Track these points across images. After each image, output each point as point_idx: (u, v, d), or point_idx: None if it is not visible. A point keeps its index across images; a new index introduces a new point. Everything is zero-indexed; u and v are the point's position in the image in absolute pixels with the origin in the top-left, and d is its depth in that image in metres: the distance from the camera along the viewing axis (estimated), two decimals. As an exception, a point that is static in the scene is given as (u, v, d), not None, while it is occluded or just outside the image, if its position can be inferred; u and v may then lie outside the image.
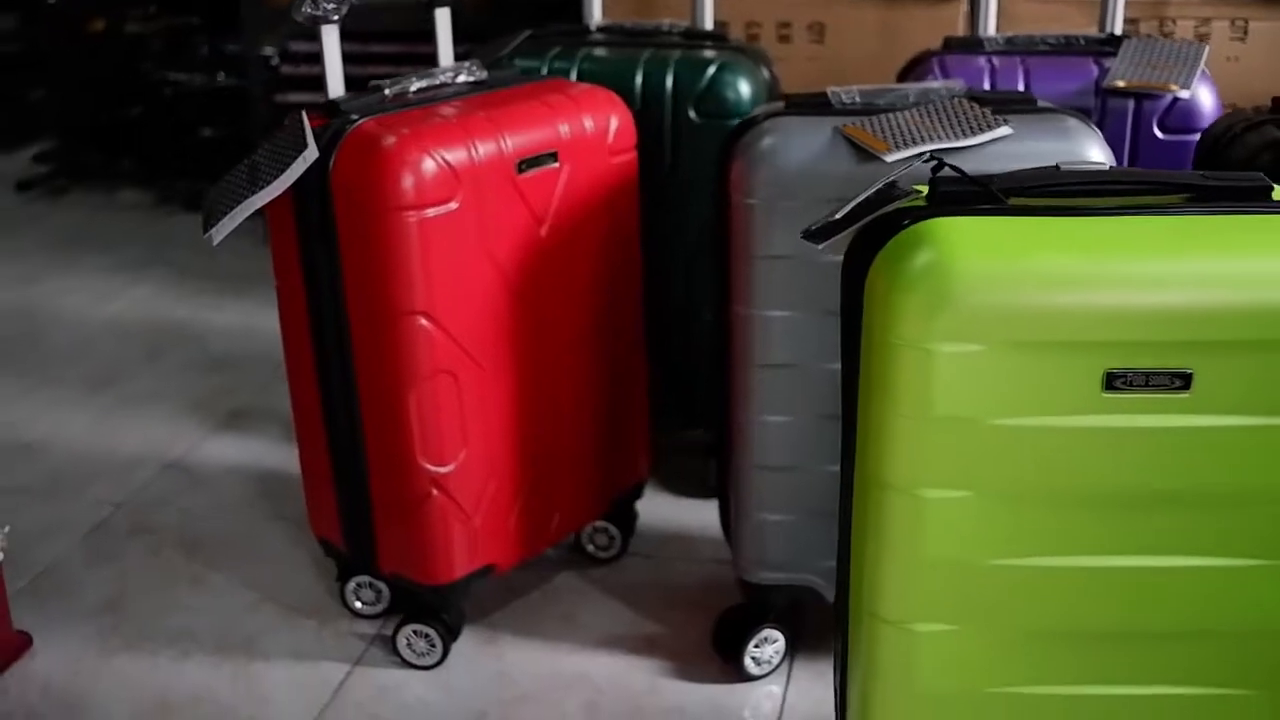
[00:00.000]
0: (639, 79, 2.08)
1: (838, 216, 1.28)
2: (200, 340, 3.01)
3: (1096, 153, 1.58)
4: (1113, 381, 1.16)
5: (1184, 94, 1.84)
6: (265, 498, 2.30)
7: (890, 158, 1.53)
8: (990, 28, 2.16)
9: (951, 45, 2.09)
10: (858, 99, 1.70)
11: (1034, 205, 1.22)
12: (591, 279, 1.85)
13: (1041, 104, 1.69)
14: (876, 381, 1.21)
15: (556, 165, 1.75)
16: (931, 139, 1.55)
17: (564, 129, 1.76)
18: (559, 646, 1.88)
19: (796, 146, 1.59)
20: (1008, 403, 1.17)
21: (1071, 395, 1.17)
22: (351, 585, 1.93)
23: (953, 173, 1.26)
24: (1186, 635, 1.25)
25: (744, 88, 2.08)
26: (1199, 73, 1.87)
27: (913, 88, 1.72)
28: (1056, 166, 1.31)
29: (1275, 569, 1.21)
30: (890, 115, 1.62)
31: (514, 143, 1.70)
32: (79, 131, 4.13)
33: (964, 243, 1.17)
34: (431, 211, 1.61)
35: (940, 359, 1.16)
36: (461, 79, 1.83)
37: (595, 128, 1.80)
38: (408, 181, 1.59)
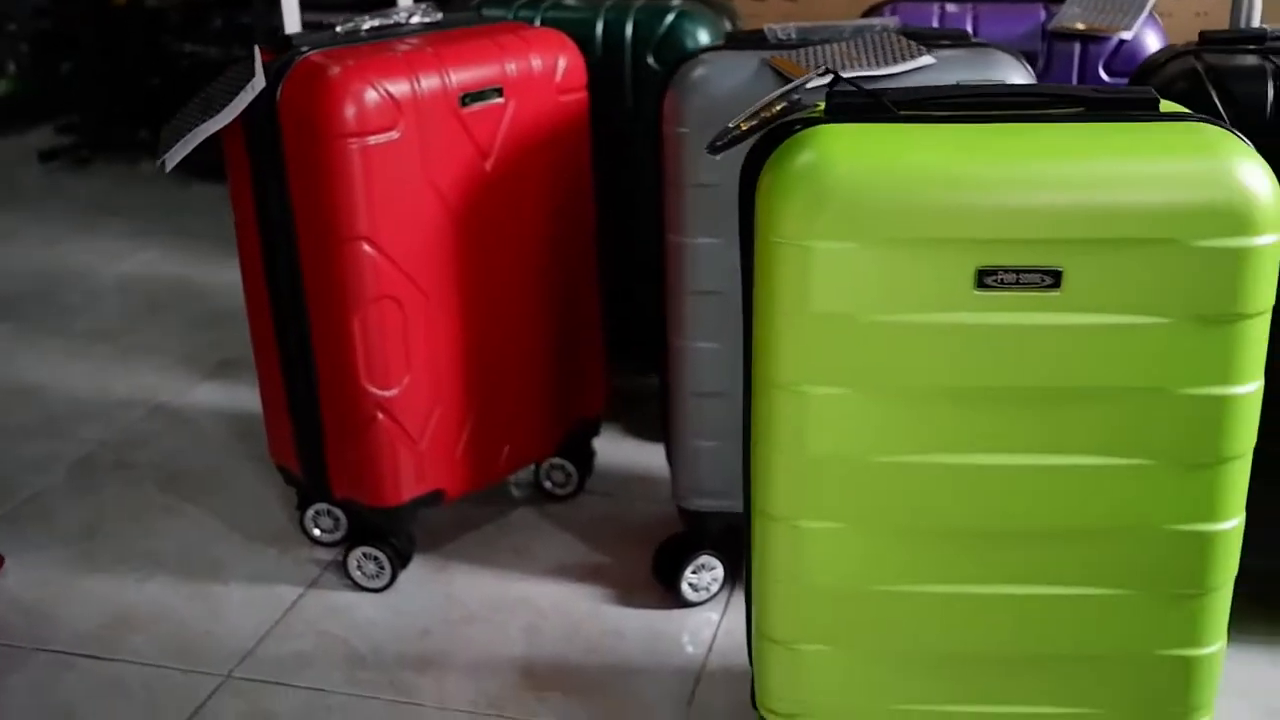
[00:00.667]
0: (599, 27, 2.13)
1: (735, 126, 1.32)
2: (201, 297, 3.10)
3: (1019, 81, 1.61)
4: (984, 279, 1.19)
5: (1127, 36, 1.86)
6: (243, 439, 2.37)
7: (810, 84, 1.57)
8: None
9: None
10: (793, 34, 1.73)
11: (921, 115, 1.25)
12: (539, 213, 1.89)
13: (975, 40, 1.72)
14: (762, 281, 1.24)
15: (501, 101, 1.80)
16: (853, 67, 1.59)
17: (510, 67, 1.81)
18: (508, 574, 1.93)
19: (725, 77, 1.63)
20: (883, 300, 1.20)
21: (944, 292, 1.20)
22: (310, 514, 1.99)
23: (850, 88, 1.29)
24: (1064, 534, 1.27)
25: (702, 35, 2.12)
26: (1145, 17, 1.89)
27: (848, 24, 1.75)
28: (956, 84, 1.35)
29: (1148, 468, 1.24)
30: (819, 48, 1.65)
31: (458, 77, 1.75)
32: (101, 104, 4.25)
33: (844, 146, 1.21)
34: (373, 139, 1.67)
35: (817, 255, 1.20)
36: (416, 20, 1.89)
37: (543, 66, 1.85)
38: (350, 110, 1.65)
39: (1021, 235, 1.18)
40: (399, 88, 1.68)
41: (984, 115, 1.24)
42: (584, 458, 2.13)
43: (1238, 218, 1.16)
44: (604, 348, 2.09)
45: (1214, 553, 1.27)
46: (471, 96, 1.77)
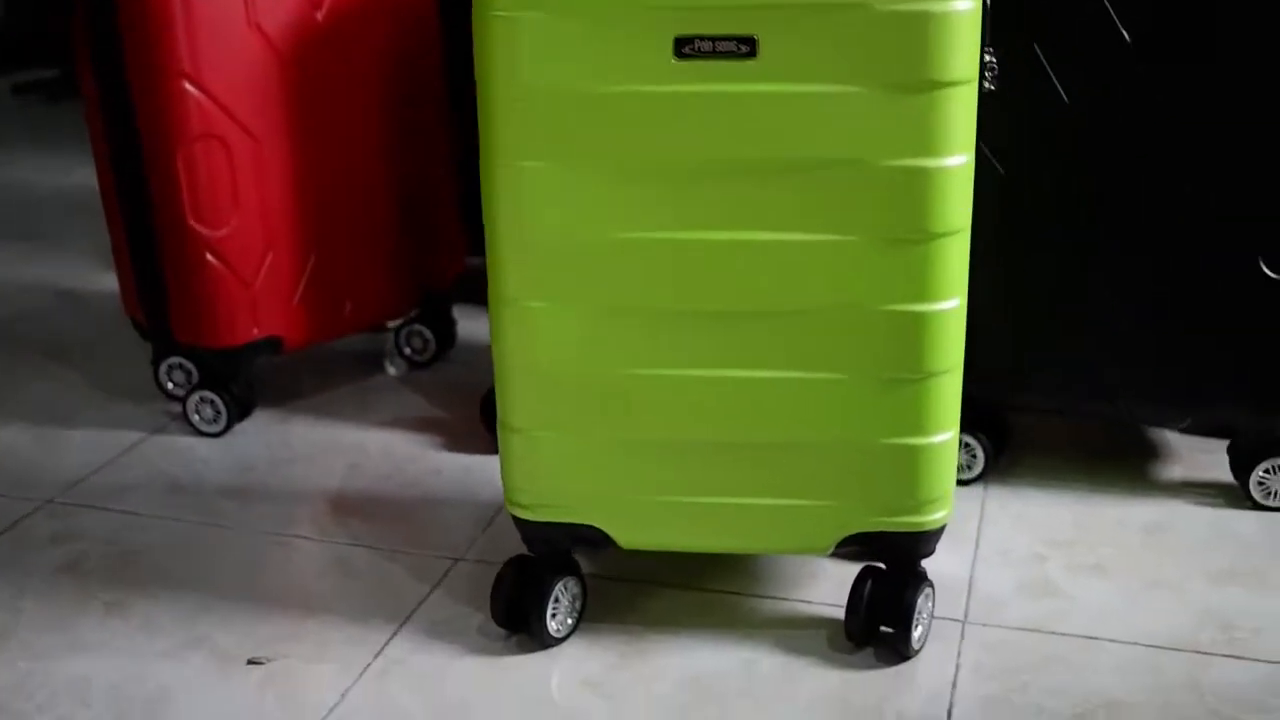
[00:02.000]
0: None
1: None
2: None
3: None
4: (681, 47, 1.21)
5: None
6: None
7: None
8: None
9: None
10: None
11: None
12: (379, 68, 1.93)
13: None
14: (479, 58, 1.27)
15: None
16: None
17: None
18: (346, 425, 1.97)
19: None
20: (587, 71, 1.22)
21: (645, 62, 1.21)
22: (164, 367, 2.03)
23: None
24: (777, 315, 1.27)
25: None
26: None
27: None
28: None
29: (855, 244, 1.24)
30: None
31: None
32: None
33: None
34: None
35: (524, 26, 1.22)
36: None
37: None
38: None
39: (717, 1, 1.20)
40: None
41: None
42: (442, 326, 2.16)
43: (923, -18, 1.17)
44: (460, 219, 2.12)
45: (930, 335, 1.28)
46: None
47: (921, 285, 1.26)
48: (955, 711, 1.31)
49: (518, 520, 1.42)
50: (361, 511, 1.73)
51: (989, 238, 1.60)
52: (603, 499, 1.38)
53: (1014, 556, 1.58)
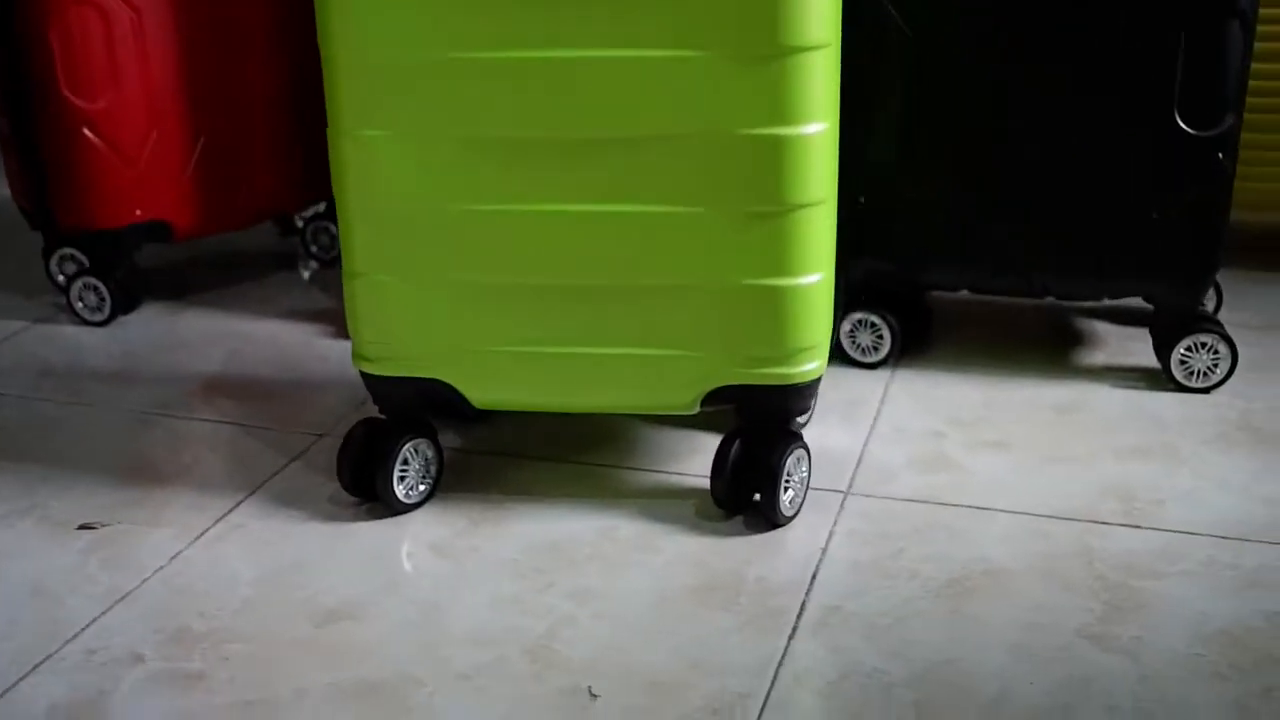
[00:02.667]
0: None
1: None
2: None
3: None
4: None
5: None
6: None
7: None
8: None
9: None
10: None
11: None
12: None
13: None
14: (320, 24, 1.21)
15: None
16: None
17: None
18: (237, 316, 1.89)
19: None
20: (425, 37, 1.16)
21: (482, 26, 1.14)
22: (55, 259, 1.95)
23: None
24: (628, 141, 1.17)
25: None
26: None
27: None
28: None
29: (709, 60, 1.14)
30: None
31: None
32: None
33: None
34: None
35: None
36: None
37: None
38: None
39: None
40: None
41: None
42: (350, 222, 2.07)
43: None
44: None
45: (793, 162, 1.17)
46: None
47: (780, 105, 1.16)
48: (820, 575, 1.21)
49: (364, 376, 1.33)
50: (235, 393, 1.64)
51: (895, 107, 1.51)
52: (450, 351, 1.28)
53: (911, 433, 1.48)
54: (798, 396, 1.27)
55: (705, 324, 1.24)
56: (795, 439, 1.29)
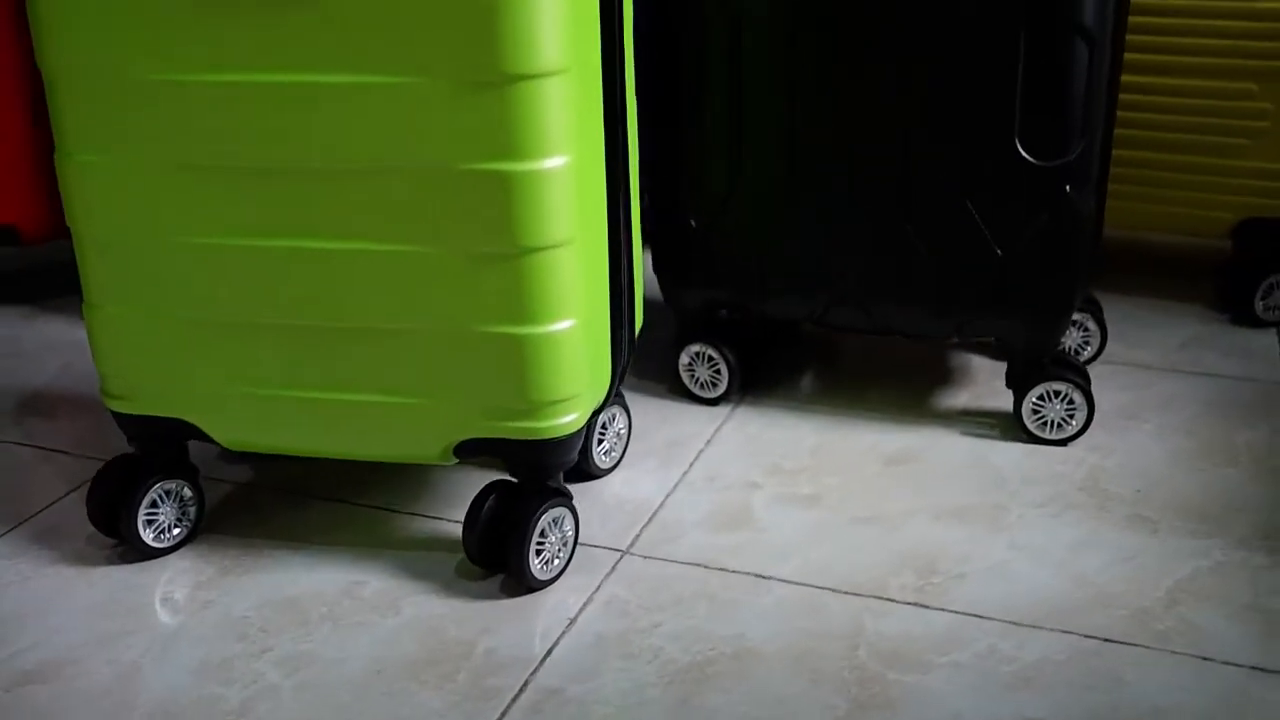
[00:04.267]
0: None
1: None
2: None
3: None
4: None
5: None
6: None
7: None
8: None
9: None
10: None
11: None
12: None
13: None
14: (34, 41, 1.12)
15: None
16: None
17: None
18: (93, 324, 1.83)
19: None
20: (132, 57, 1.07)
21: (186, 44, 1.05)
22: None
23: None
24: (351, 174, 1.07)
25: None
26: None
27: None
28: None
29: (423, 86, 1.03)
30: None
31: None
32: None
33: None
34: None
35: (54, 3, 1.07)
36: None
37: None
38: None
39: None
40: None
41: None
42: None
43: None
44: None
45: (521, 200, 1.07)
46: None
47: (508, 139, 1.05)
48: (556, 651, 1.11)
49: (113, 414, 1.25)
50: (50, 410, 1.58)
51: (722, 129, 1.39)
52: (192, 391, 1.20)
53: (723, 482, 1.36)
54: (555, 451, 1.17)
55: (446, 372, 1.14)
56: (554, 496, 1.19)
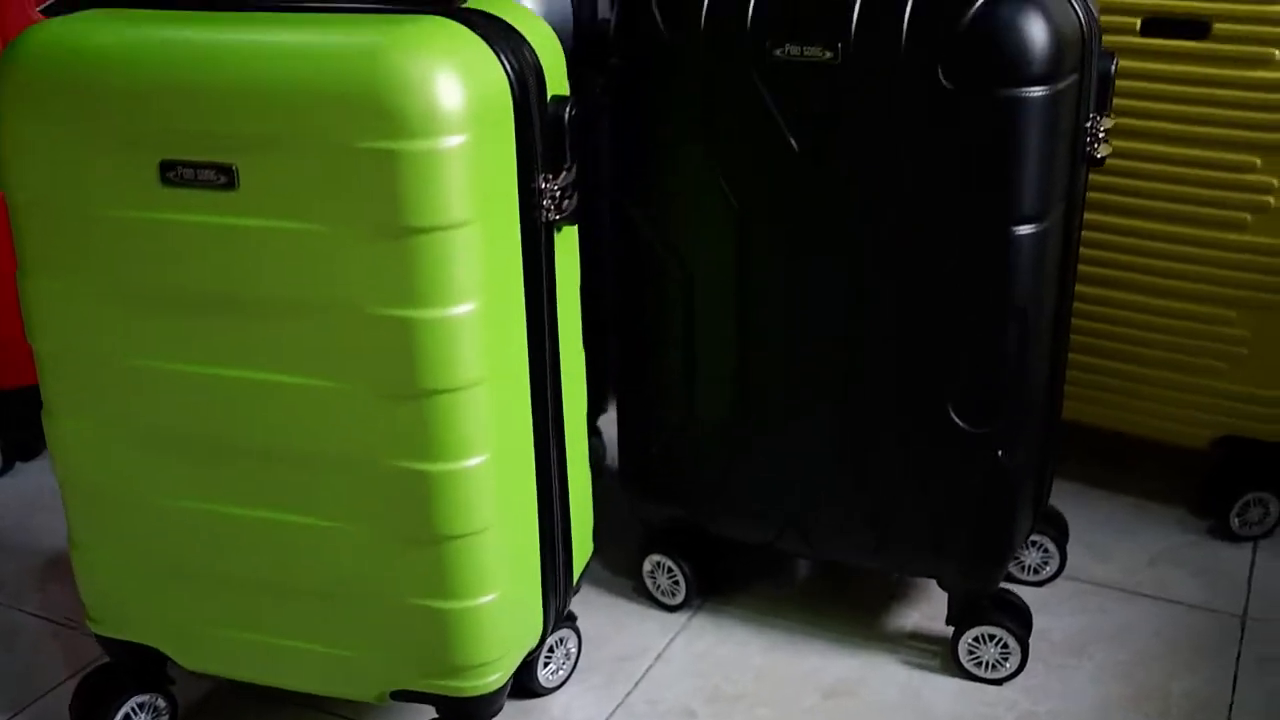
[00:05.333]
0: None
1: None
2: None
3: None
4: (166, 173, 1.12)
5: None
6: None
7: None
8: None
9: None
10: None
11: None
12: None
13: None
14: None
15: None
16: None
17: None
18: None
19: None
20: (78, 188, 1.15)
21: (133, 185, 1.13)
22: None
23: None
24: (279, 454, 1.18)
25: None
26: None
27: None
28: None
29: (349, 392, 1.13)
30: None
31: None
32: None
33: (56, 26, 1.15)
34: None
35: (8, 136, 1.15)
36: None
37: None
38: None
39: (195, 127, 1.10)
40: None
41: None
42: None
43: (390, 118, 1.04)
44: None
45: (444, 496, 1.15)
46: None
47: (426, 443, 1.14)
48: None
49: (94, 632, 1.37)
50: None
51: (674, 345, 1.46)
52: (161, 621, 1.31)
53: (661, 709, 1.43)
54: (480, 705, 1.26)
55: (377, 632, 1.23)
56: (483, 737, 1.28)
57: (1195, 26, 1.53)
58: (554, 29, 1.27)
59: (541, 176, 1.17)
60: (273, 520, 1.21)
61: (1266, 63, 1.50)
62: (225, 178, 1.10)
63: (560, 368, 1.27)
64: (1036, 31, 1.22)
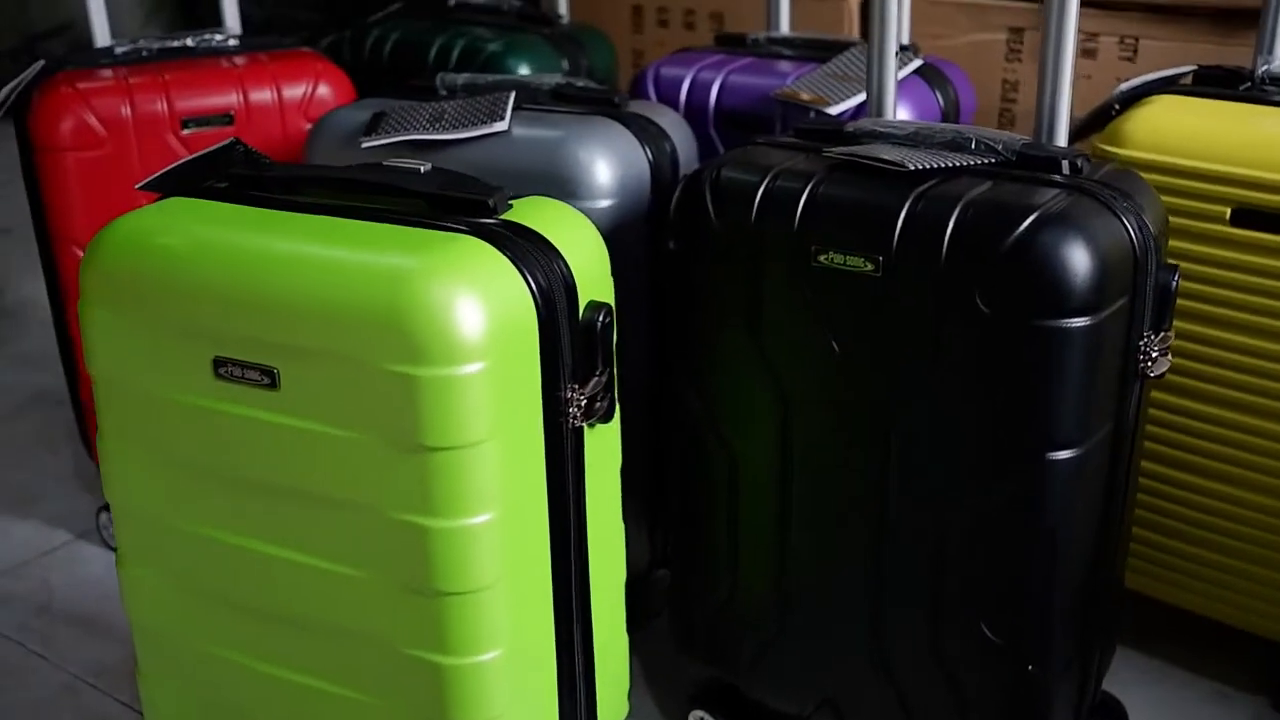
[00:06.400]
0: (432, 52, 2.19)
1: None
2: None
3: (603, 158, 1.53)
4: (219, 369, 1.20)
5: (831, 111, 1.68)
6: None
7: (365, 143, 1.58)
8: (781, 24, 2.03)
9: (719, 40, 2.01)
10: (459, 84, 1.74)
11: (237, 193, 1.27)
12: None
13: (626, 109, 1.64)
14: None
15: (231, 126, 1.93)
16: (418, 130, 1.58)
17: (241, 95, 1.93)
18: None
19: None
20: (144, 372, 1.25)
21: (190, 375, 1.22)
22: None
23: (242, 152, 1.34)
24: (313, 626, 1.25)
25: (522, 68, 2.12)
26: (858, 99, 1.69)
27: (493, 78, 1.73)
28: (379, 164, 1.33)
29: (369, 579, 1.19)
30: (423, 105, 1.65)
31: (180, 102, 1.90)
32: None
33: (135, 219, 1.27)
34: (82, 154, 1.86)
35: (89, 318, 1.26)
36: (211, 40, 2.04)
37: (288, 94, 1.95)
38: (60, 125, 1.85)
39: (243, 331, 1.18)
40: (108, 109, 1.86)
41: (295, 202, 1.25)
42: None
43: (410, 344, 1.10)
44: None
45: (457, 687, 1.20)
46: (195, 121, 1.91)
47: (443, 638, 1.19)
48: None
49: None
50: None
51: (719, 521, 1.48)
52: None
53: None
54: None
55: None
56: None
57: (1286, 221, 1.48)
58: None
59: (569, 387, 1.21)
60: (302, 684, 1.29)
61: (1360, 266, 1.43)
62: (268, 379, 1.18)
63: (587, 559, 1.31)
64: (1078, 261, 1.19)
